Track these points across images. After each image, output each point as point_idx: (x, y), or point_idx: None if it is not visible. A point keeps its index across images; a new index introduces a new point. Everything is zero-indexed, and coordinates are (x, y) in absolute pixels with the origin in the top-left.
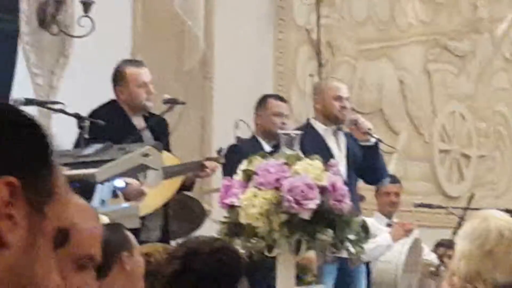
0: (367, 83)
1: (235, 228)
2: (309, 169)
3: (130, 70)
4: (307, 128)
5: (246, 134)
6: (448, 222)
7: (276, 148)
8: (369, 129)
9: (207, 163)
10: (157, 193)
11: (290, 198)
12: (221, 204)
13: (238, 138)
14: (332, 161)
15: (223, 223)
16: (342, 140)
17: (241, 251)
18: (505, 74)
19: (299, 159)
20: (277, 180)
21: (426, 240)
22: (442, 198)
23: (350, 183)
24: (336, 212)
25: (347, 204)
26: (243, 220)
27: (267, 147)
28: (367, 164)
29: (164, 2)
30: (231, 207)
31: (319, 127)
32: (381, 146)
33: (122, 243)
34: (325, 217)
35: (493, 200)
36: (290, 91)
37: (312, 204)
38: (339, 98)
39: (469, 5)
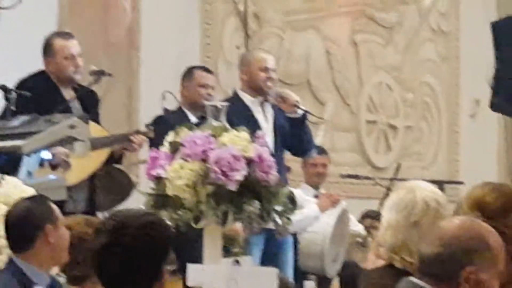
0: (294, 55)
1: (162, 199)
2: (236, 140)
3: (58, 42)
4: (234, 99)
5: (173, 105)
6: (375, 193)
7: (202, 119)
8: (296, 101)
9: (134, 137)
10: (84, 164)
11: (217, 169)
12: (148, 175)
13: (165, 110)
14: (258, 132)
15: (150, 194)
16: (269, 111)
17: (168, 222)
18: (432, 45)
19: (225, 130)
20: (204, 151)
21: (353, 211)
22: (369, 169)
23: (277, 154)
24: (263, 183)
25: (274, 175)
26: (169, 191)
27: (193, 119)
28: (294, 136)
29: None
30: (158, 179)
31: (246, 98)
32: (309, 118)
33: (46, 216)
34: (252, 188)
35: (419, 170)
36: (217, 63)
37: (239, 176)
38: (265, 69)
39: None
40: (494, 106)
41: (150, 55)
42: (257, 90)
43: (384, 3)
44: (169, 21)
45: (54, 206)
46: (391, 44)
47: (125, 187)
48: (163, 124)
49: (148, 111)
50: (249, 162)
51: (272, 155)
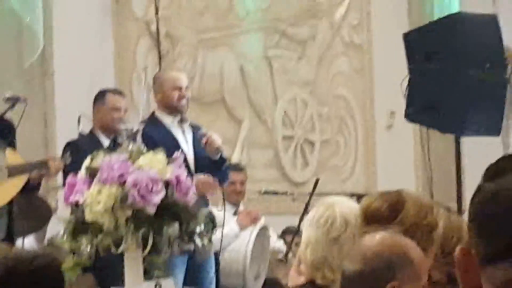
0: (208, 73)
1: (81, 225)
2: (153, 163)
3: None
4: (153, 121)
5: (89, 128)
6: (294, 208)
7: (114, 142)
8: (219, 147)
9: (51, 163)
10: (1, 192)
11: (135, 193)
12: (66, 201)
13: (80, 134)
14: (175, 153)
15: (68, 221)
16: (189, 132)
17: (87, 248)
18: (345, 58)
19: (141, 153)
20: (121, 175)
21: (273, 228)
22: (287, 184)
23: (197, 170)
24: (181, 205)
25: (192, 196)
26: (88, 217)
27: (105, 142)
28: (210, 169)
29: None
30: (76, 205)
31: (164, 118)
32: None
33: None
34: (171, 210)
35: (338, 184)
36: (132, 84)
37: (157, 198)
38: (177, 88)
39: None
40: (409, 116)
41: (64, 79)
42: (171, 109)
43: (296, 17)
44: (82, 44)
45: None
46: (304, 59)
47: (44, 213)
48: (75, 150)
49: (65, 136)
50: (167, 184)
51: (192, 175)
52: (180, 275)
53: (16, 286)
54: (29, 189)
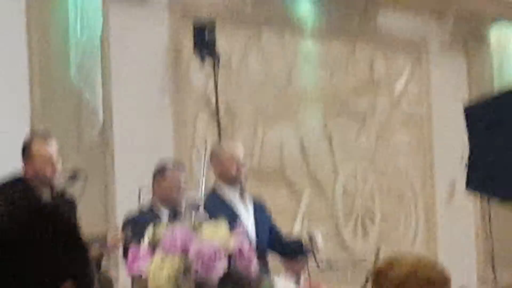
0: (267, 145)
1: None
2: (215, 234)
3: (35, 146)
4: (213, 197)
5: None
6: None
7: (175, 213)
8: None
9: (109, 238)
10: None
11: (198, 264)
12: (129, 270)
13: (139, 209)
14: (238, 221)
15: None
16: (250, 202)
17: None
18: (405, 130)
19: (204, 224)
20: (184, 245)
21: None
22: (347, 256)
23: (259, 246)
24: (244, 276)
25: (254, 267)
26: (152, 286)
27: (164, 217)
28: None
29: (60, 73)
30: (139, 277)
31: (225, 192)
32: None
33: None
34: (234, 281)
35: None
36: (191, 158)
37: (220, 270)
38: (235, 158)
39: (365, 64)
40: (470, 186)
41: (124, 155)
42: (231, 180)
43: (356, 90)
44: (141, 118)
45: None
46: (363, 131)
47: (106, 285)
48: (134, 225)
49: (125, 209)
50: (230, 255)
51: (255, 248)
52: None
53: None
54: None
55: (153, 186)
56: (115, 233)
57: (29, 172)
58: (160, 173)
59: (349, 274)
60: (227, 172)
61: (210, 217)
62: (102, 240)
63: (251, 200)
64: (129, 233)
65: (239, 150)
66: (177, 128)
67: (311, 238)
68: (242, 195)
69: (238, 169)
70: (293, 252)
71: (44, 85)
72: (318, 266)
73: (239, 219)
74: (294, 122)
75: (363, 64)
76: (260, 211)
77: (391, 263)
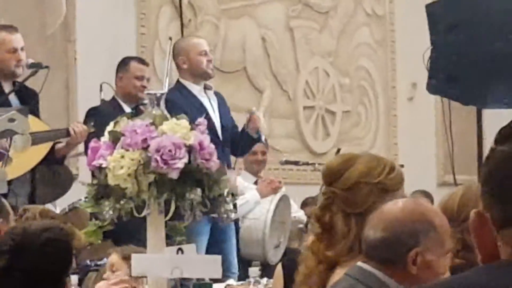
0: (230, 42)
1: (103, 190)
2: (176, 128)
3: (1, 36)
4: (180, 88)
5: (110, 96)
6: (315, 178)
7: (136, 110)
8: (259, 128)
9: (73, 127)
10: (24, 159)
11: (158, 158)
12: (89, 166)
13: (102, 101)
14: (199, 119)
15: (91, 185)
16: (214, 98)
17: (110, 212)
18: (367, 29)
19: (166, 119)
20: (144, 140)
21: (294, 197)
22: (308, 154)
23: (224, 140)
24: (204, 171)
25: (215, 162)
26: (111, 181)
27: (127, 109)
28: (237, 140)
29: None
30: (99, 169)
31: (191, 86)
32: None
33: None
34: (194, 176)
35: None
36: (153, 53)
37: (180, 163)
38: (204, 53)
39: None
40: (431, 88)
41: (86, 47)
42: (201, 75)
43: None
44: (104, 12)
45: (4, 201)
46: (326, 29)
47: (65, 179)
48: (98, 116)
49: (86, 102)
50: (190, 149)
51: (219, 141)
52: (203, 242)
53: (26, 259)
54: (55, 161)
55: (116, 80)
56: (79, 125)
57: None
58: (123, 66)
59: (309, 172)
60: (197, 67)
61: (177, 111)
62: (66, 133)
63: (214, 95)
64: (92, 127)
65: (205, 45)
66: (140, 22)
67: (251, 115)
68: (205, 90)
69: (207, 64)
70: (250, 140)
71: None
72: (263, 142)
73: (206, 111)
74: (257, 19)
75: None
76: (223, 105)
77: (344, 163)
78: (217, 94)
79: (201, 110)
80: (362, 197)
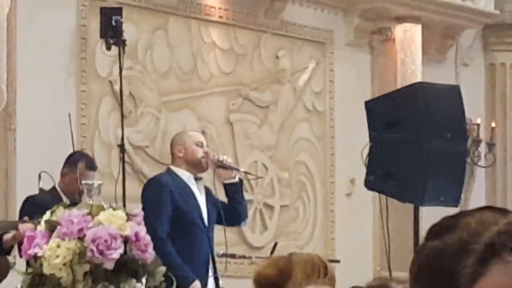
0: (170, 134)
1: (39, 279)
2: (112, 219)
3: None
4: (170, 174)
5: (49, 185)
6: (252, 272)
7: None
8: (231, 162)
9: (20, 226)
10: None
11: (94, 248)
12: (25, 255)
13: (41, 190)
14: (135, 211)
15: (27, 273)
16: (202, 188)
17: None
18: (307, 124)
19: (102, 209)
20: (80, 230)
21: None
22: (246, 248)
23: (209, 228)
24: (139, 262)
25: (150, 254)
26: (46, 270)
27: (67, 201)
28: (230, 205)
29: None
30: (35, 258)
31: (182, 173)
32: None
33: None
34: (129, 266)
35: (296, 249)
36: (93, 143)
37: (116, 254)
38: (200, 144)
39: (270, 56)
40: (369, 184)
41: (26, 136)
42: (195, 164)
43: (259, 82)
44: (45, 101)
45: None
46: (266, 124)
47: (2, 267)
48: (36, 204)
49: (25, 191)
50: (126, 240)
51: (204, 226)
52: None
53: None
54: (2, 251)
55: (62, 173)
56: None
57: None
58: (71, 165)
59: (246, 265)
60: (192, 157)
61: (166, 193)
62: (13, 227)
63: (201, 184)
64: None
65: (203, 138)
66: (81, 112)
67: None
68: (197, 181)
69: (204, 155)
70: (234, 189)
71: None
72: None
73: (195, 199)
74: (197, 111)
75: (268, 57)
76: (210, 194)
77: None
78: (205, 186)
79: (189, 194)
80: None
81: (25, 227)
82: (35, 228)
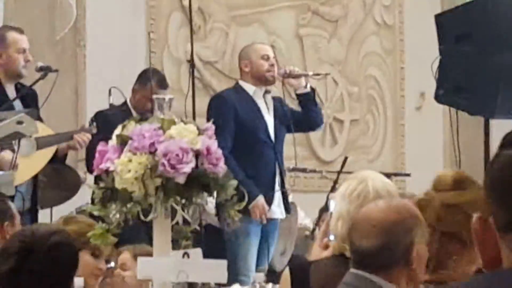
0: (239, 49)
1: (110, 193)
2: (184, 133)
3: (11, 35)
4: (237, 90)
5: (119, 101)
6: (322, 186)
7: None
8: (297, 70)
9: (78, 135)
10: (29, 164)
11: (165, 162)
12: (96, 169)
13: (111, 105)
14: (206, 124)
15: (98, 188)
16: (270, 102)
17: (117, 216)
18: (376, 38)
19: (173, 123)
20: (152, 144)
21: (300, 205)
22: (316, 162)
23: (277, 142)
24: (211, 175)
25: (222, 167)
26: (118, 185)
27: (135, 115)
28: (304, 113)
29: None
30: (106, 173)
31: (249, 88)
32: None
33: (5, 214)
34: (200, 180)
35: (366, 164)
36: (163, 58)
37: (187, 168)
38: (266, 57)
39: None
40: (439, 98)
41: (96, 51)
42: (260, 79)
43: None
44: (114, 17)
45: (11, 204)
46: (335, 38)
47: (72, 182)
48: (104, 120)
49: (94, 107)
50: (197, 154)
51: (272, 143)
52: (252, 243)
53: (33, 262)
54: (55, 160)
55: (133, 89)
56: (81, 131)
57: (0, 60)
58: (143, 82)
59: (316, 179)
60: (258, 71)
61: (231, 110)
62: (70, 137)
63: (271, 99)
64: (94, 128)
65: (270, 50)
66: (150, 28)
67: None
68: (264, 95)
69: (269, 68)
70: (307, 98)
71: None
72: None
73: (261, 115)
74: (266, 26)
75: None
76: (280, 108)
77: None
78: (275, 98)
79: (254, 110)
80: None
81: (80, 137)
82: (90, 137)
